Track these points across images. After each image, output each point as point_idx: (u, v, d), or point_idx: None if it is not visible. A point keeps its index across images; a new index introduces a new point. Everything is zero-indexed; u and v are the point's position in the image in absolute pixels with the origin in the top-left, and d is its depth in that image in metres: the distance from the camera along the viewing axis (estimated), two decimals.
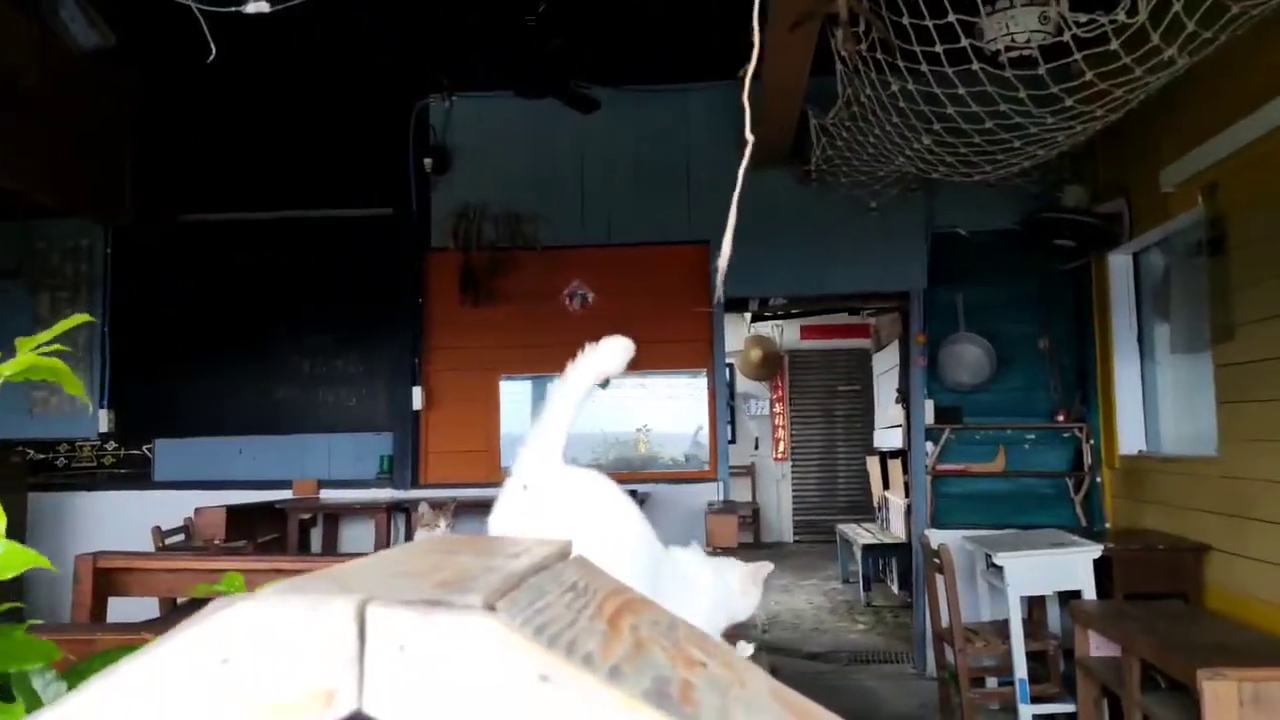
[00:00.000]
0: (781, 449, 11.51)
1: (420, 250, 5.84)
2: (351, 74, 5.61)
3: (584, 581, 0.56)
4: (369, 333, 5.92)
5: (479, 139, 5.85)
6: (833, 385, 11.50)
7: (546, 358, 5.89)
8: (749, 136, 1.19)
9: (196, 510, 4.58)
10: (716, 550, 3.78)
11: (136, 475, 5.95)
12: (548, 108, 5.67)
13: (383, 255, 5.87)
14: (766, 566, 1.30)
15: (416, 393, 5.78)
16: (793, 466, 11.52)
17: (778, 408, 11.55)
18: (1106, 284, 5.37)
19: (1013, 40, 3.37)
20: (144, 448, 6.01)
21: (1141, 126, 4.70)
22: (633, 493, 5.23)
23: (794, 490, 11.50)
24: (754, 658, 1.72)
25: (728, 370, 11.39)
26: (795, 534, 11.38)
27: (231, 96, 5.71)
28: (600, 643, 0.42)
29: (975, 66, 3.06)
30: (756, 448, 11.56)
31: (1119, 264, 5.32)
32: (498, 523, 0.97)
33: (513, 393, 6.03)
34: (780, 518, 11.48)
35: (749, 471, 11.41)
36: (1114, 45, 2.82)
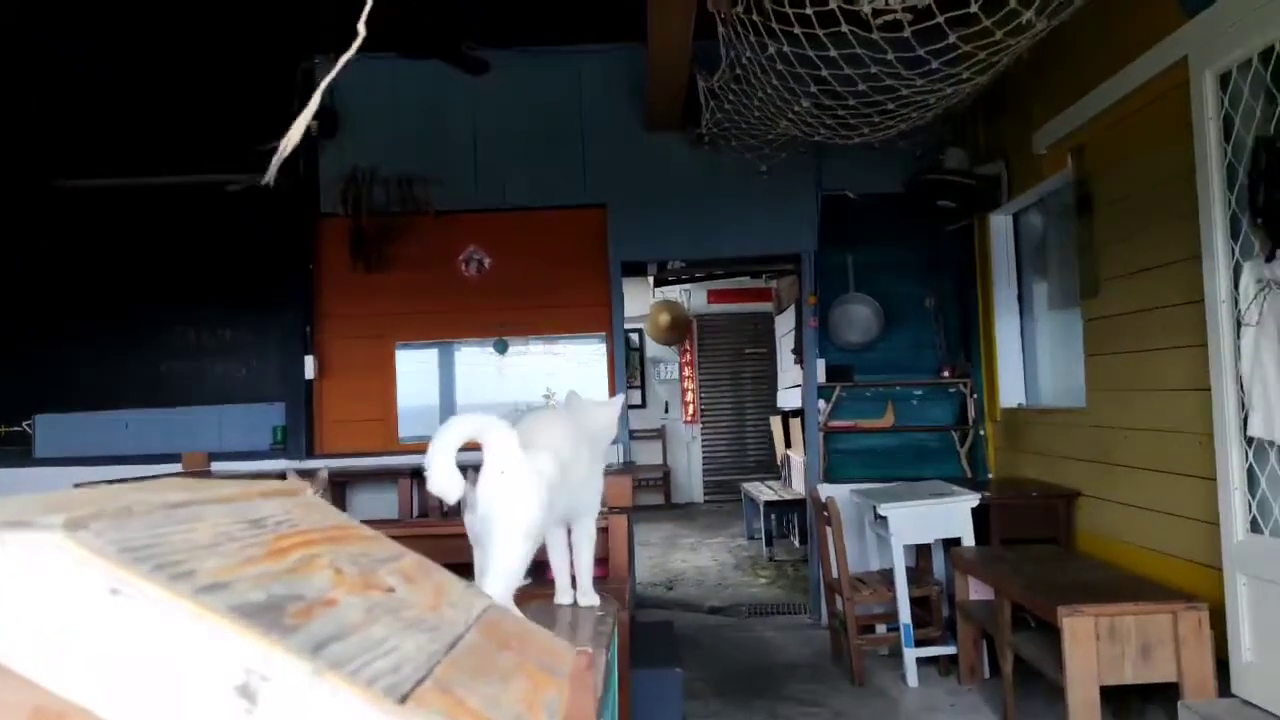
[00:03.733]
0: (691, 412, 11.65)
1: (309, 216, 5.70)
2: (233, 33, 5.41)
3: (280, 517, 0.57)
4: (259, 301, 5.77)
5: (368, 101, 5.72)
6: (740, 348, 11.67)
7: (444, 323, 5.86)
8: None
9: (75, 486, 4.43)
10: (611, 511, 3.83)
11: (16, 452, 5.72)
12: (438, 70, 5.58)
13: (271, 221, 5.71)
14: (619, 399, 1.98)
15: (309, 361, 5.68)
16: (702, 429, 11.67)
17: (687, 371, 11.68)
18: (988, 244, 5.55)
19: (885, 3, 3.44)
20: (23, 424, 5.78)
21: (1017, 90, 4.86)
22: None
23: (704, 452, 11.67)
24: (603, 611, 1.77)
25: (637, 335, 11.46)
26: (706, 494, 11.57)
27: (107, 55, 5.46)
28: (225, 564, 0.44)
29: (845, 29, 3.11)
30: (666, 411, 11.68)
31: (999, 224, 5.51)
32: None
33: (410, 360, 5.96)
34: (691, 479, 11.65)
35: (659, 435, 11.53)
36: (974, 8, 2.90)
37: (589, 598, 1.68)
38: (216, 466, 5.65)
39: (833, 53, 3.33)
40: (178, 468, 5.58)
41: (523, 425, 1.66)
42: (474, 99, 5.73)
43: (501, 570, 1.55)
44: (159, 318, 5.78)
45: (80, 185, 5.77)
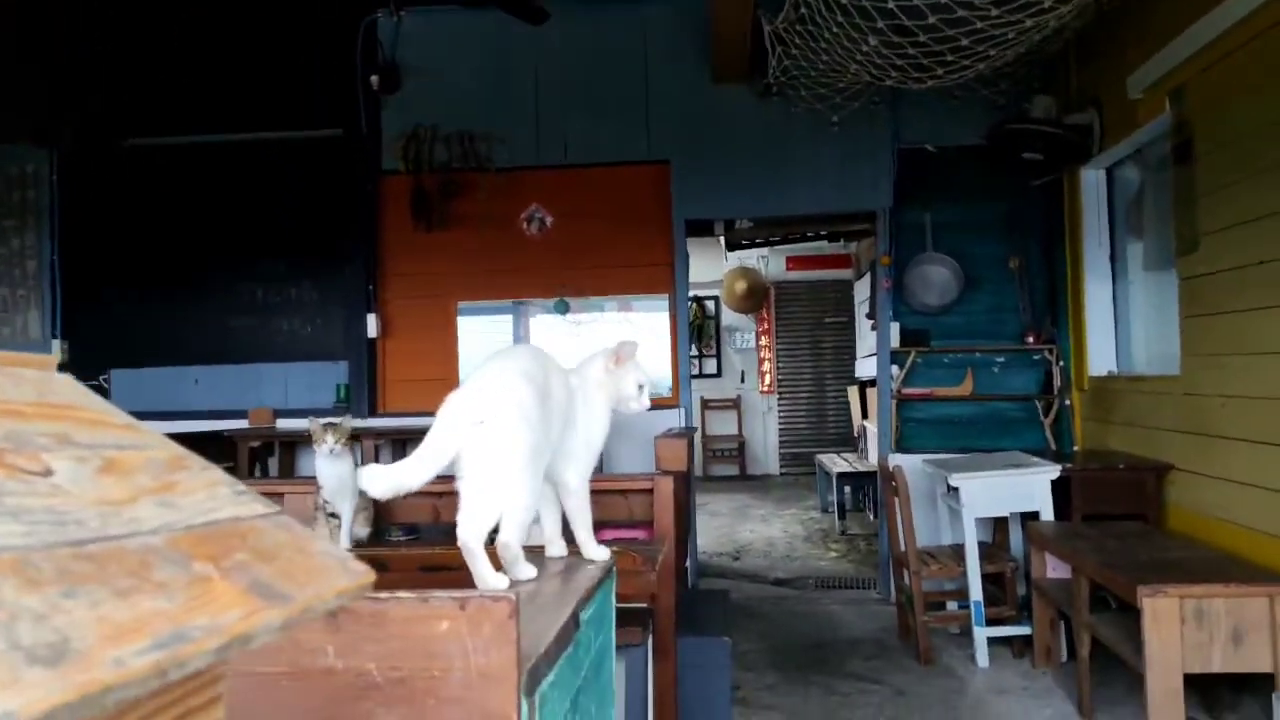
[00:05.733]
0: (768, 381, 11.40)
1: (371, 173, 5.66)
2: None
3: None
4: (323, 259, 5.77)
5: (429, 56, 5.63)
6: (819, 316, 11.35)
7: (505, 284, 5.77)
8: None
9: None
10: (669, 473, 3.68)
11: None
12: (499, 22, 5.44)
13: (334, 179, 5.70)
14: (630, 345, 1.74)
15: (371, 320, 5.65)
16: (779, 399, 11.42)
17: (764, 340, 11.42)
18: (1078, 200, 5.18)
19: None
20: (100, 378, 5.91)
21: (1111, 30, 4.48)
22: None
23: (781, 422, 11.42)
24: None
25: (713, 303, 11.26)
26: (782, 466, 11.33)
27: (172, 13, 5.49)
28: None
29: None
30: (742, 380, 11.46)
31: (1091, 179, 5.13)
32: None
33: (484, 323, 5.91)
34: (766, 450, 11.42)
35: (735, 405, 11.33)
36: None
37: (591, 552, 1.53)
38: (281, 423, 5.69)
39: None
40: (245, 423, 5.64)
41: (492, 360, 1.54)
42: (535, 52, 5.59)
43: (512, 510, 1.41)
44: (227, 275, 5.83)
45: (150, 144, 5.84)
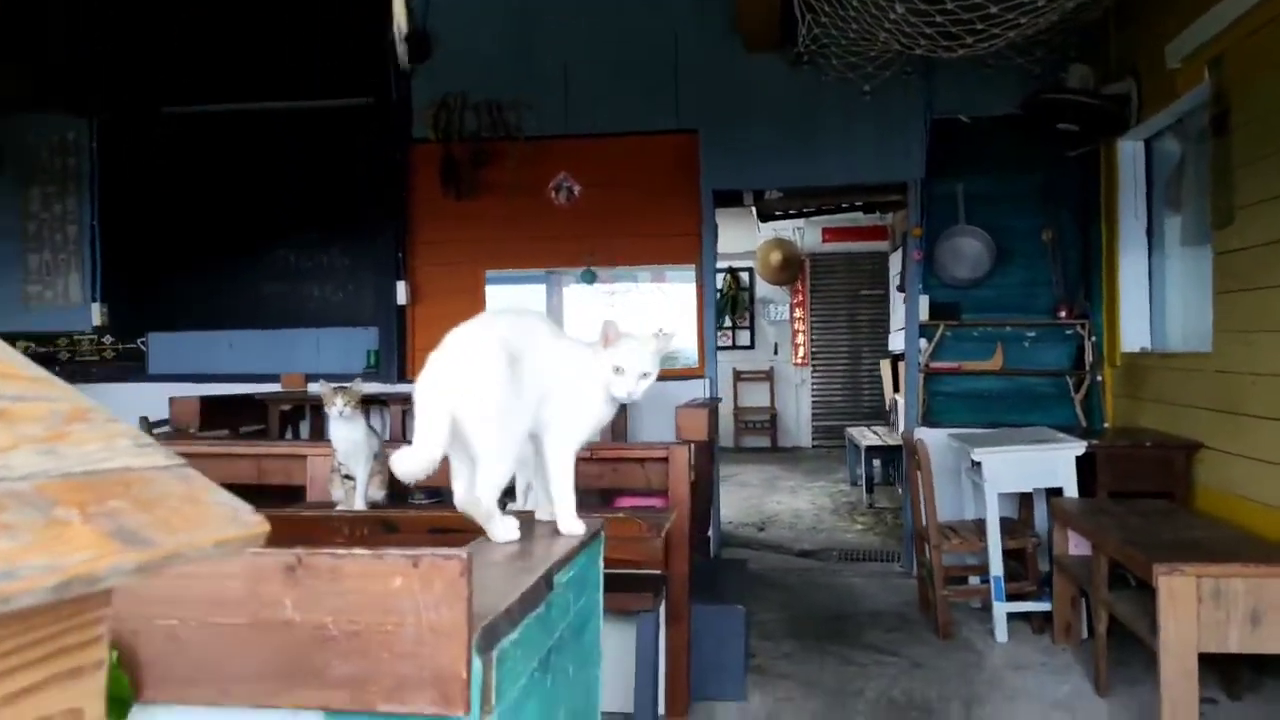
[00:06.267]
0: (801, 354, 11.35)
1: (401, 141, 5.70)
2: None
3: None
4: (354, 226, 5.84)
5: (459, 24, 5.63)
6: (855, 289, 11.25)
7: (532, 252, 5.79)
8: None
9: (171, 401, 4.59)
10: (686, 442, 3.70)
11: (131, 369, 6.01)
12: None
13: (365, 147, 5.75)
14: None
15: (401, 287, 5.72)
16: (813, 371, 11.37)
17: (798, 312, 11.35)
18: (1115, 172, 5.07)
19: None
20: (138, 341, 6.05)
21: None
22: None
23: (814, 395, 11.37)
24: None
25: (748, 275, 11.20)
26: (814, 439, 11.30)
27: None
28: None
29: None
30: (776, 352, 11.42)
31: (1128, 150, 5.02)
32: None
33: (518, 293, 5.95)
34: (799, 423, 11.39)
35: (768, 377, 11.30)
36: None
37: (566, 525, 1.54)
38: (313, 388, 5.78)
39: None
40: (277, 387, 5.75)
41: (467, 322, 1.57)
42: (565, 20, 5.57)
43: (483, 468, 1.44)
44: (260, 242, 5.92)
45: (187, 112, 5.92)
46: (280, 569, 0.93)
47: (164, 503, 0.49)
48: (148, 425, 4.92)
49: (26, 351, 6.03)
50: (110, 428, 0.54)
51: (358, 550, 0.93)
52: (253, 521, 0.53)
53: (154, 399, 5.36)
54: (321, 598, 0.93)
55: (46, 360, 6.07)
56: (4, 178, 5.98)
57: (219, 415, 4.82)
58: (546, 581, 1.21)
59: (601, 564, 1.63)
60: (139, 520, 0.45)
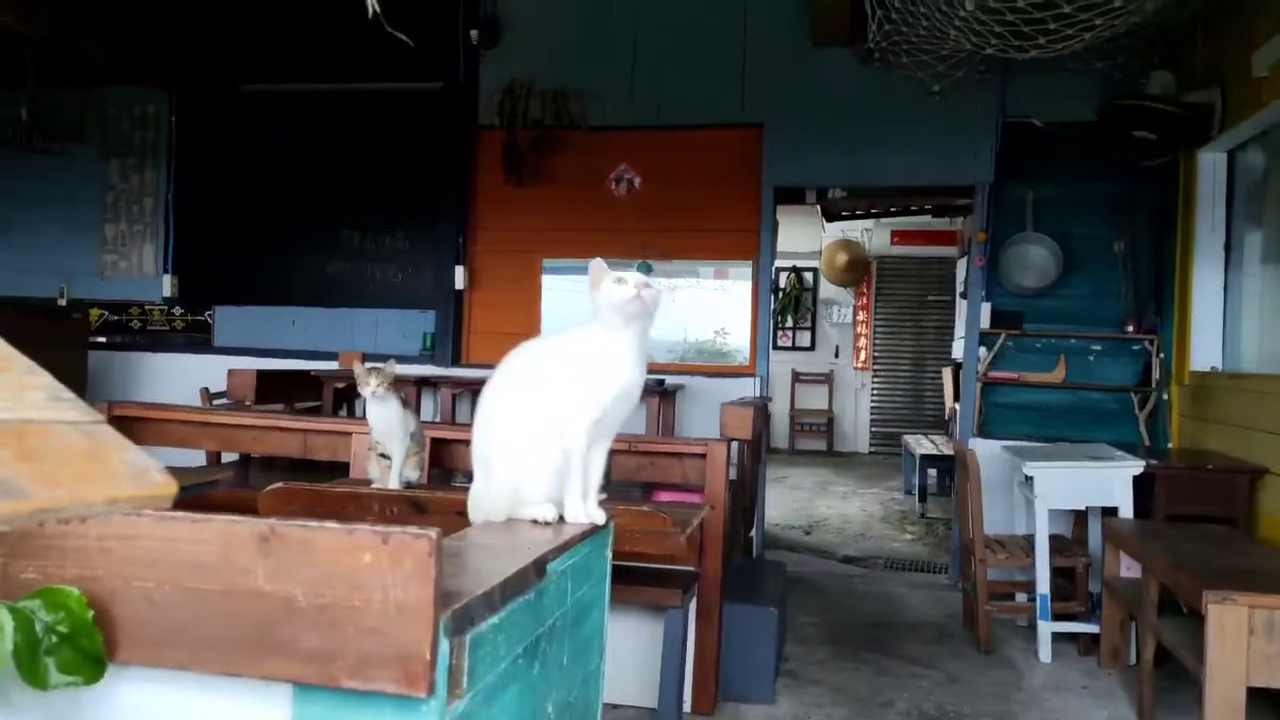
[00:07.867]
0: (863, 358, 11.19)
1: (467, 127, 5.74)
2: None
3: None
4: (417, 210, 5.91)
5: (530, 9, 5.66)
6: (922, 295, 11.05)
7: (590, 242, 5.77)
8: None
9: (229, 372, 4.71)
10: (726, 440, 3.66)
11: (198, 340, 6.18)
12: None
13: (432, 131, 5.81)
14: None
15: (459, 272, 5.77)
16: (874, 376, 11.20)
17: (861, 315, 11.19)
18: (1193, 183, 4.87)
19: None
20: (206, 314, 6.22)
21: (1239, 3, 4.18)
22: (660, 383, 5.13)
23: (874, 400, 11.21)
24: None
25: (811, 275, 11.08)
26: (871, 445, 11.14)
27: None
28: None
29: None
30: (836, 355, 11.27)
31: (1209, 161, 4.82)
32: None
33: (559, 279, 5.95)
34: (856, 428, 11.24)
35: (826, 379, 11.16)
36: None
37: (572, 512, 1.53)
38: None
39: None
40: (336, 365, 5.85)
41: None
42: (634, 9, 5.56)
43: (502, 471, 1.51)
44: (326, 221, 6.03)
45: (262, 90, 6.05)
46: (254, 538, 0.93)
47: (56, 457, 0.49)
48: (208, 396, 5.05)
49: (100, 319, 6.27)
50: (26, 380, 0.54)
51: (329, 524, 0.93)
52: (159, 482, 0.53)
53: (218, 370, 5.49)
54: (292, 569, 0.93)
55: (119, 329, 6.27)
56: (86, 148, 6.18)
57: (276, 389, 4.93)
58: (537, 568, 1.20)
59: (609, 554, 1.62)
60: (18, 471, 0.45)
